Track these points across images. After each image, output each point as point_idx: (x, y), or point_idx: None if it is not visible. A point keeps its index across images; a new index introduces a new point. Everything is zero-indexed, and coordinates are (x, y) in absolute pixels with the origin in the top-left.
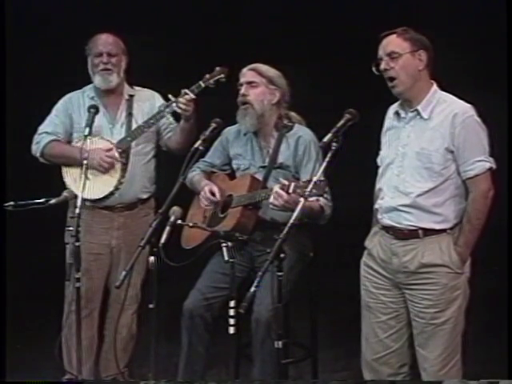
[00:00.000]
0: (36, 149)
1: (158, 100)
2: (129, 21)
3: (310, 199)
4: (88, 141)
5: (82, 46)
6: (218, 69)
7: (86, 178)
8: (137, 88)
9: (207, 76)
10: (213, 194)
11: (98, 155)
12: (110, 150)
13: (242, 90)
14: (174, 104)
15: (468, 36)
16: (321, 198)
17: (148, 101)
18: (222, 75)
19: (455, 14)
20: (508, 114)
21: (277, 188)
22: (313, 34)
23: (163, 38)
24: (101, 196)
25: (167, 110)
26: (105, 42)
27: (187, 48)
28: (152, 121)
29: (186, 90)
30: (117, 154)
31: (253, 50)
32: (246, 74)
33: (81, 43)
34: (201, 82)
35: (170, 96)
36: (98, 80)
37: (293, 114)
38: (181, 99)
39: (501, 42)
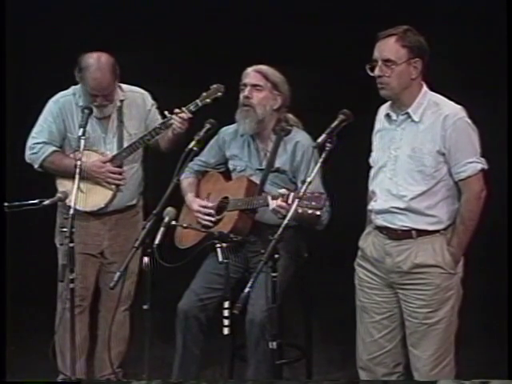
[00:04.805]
0: (35, 159)
1: (148, 102)
2: (129, 21)
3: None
4: (84, 153)
5: (82, 46)
6: (214, 86)
7: (80, 190)
8: (126, 89)
9: (204, 94)
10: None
11: (103, 173)
12: (116, 166)
13: (246, 92)
14: (171, 121)
15: (468, 36)
16: None
17: (138, 106)
18: (219, 93)
19: (455, 13)
20: (508, 114)
21: (276, 201)
22: (309, 34)
23: (162, 39)
24: (94, 209)
25: (163, 127)
26: (98, 85)
27: (187, 49)
28: (147, 137)
29: (183, 109)
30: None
31: (250, 49)
32: (251, 76)
33: (81, 44)
34: (198, 101)
35: (166, 113)
36: (94, 110)
37: (290, 116)
38: (176, 118)
39: (501, 42)
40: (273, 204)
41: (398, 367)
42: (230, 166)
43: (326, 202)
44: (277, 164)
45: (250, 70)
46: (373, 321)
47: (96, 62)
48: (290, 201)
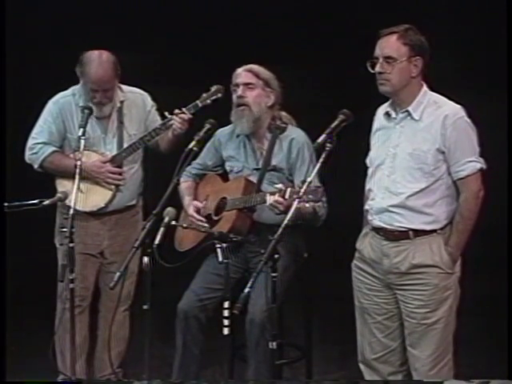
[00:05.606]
0: (35, 159)
1: (148, 103)
2: (129, 21)
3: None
4: (84, 153)
5: (82, 45)
6: (214, 87)
7: (80, 190)
8: (126, 89)
9: (204, 95)
10: (198, 211)
11: (102, 174)
12: (116, 167)
13: (239, 92)
14: (171, 121)
15: (468, 36)
16: None
17: (138, 107)
18: (219, 95)
19: (455, 13)
20: (508, 114)
21: (273, 197)
22: (307, 33)
23: (162, 40)
24: (94, 209)
25: (163, 127)
26: (99, 79)
27: (186, 49)
28: (147, 138)
29: (184, 109)
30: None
31: (250, 50)
32: (242, 75)
33: (81, 43)
34: (198, 102)
35: (166, 113)
36: (94, 109)
37: (283, 113)
38: (176, 118)
39: (501, 42)
40: (270, 200)
41: (403, 366)
42: (227, 168)
43: (322, 196)
44: (273, 162)
45: (240, 70)
46: (375, 321)
47: (98, 57)
48: (287, 196)
